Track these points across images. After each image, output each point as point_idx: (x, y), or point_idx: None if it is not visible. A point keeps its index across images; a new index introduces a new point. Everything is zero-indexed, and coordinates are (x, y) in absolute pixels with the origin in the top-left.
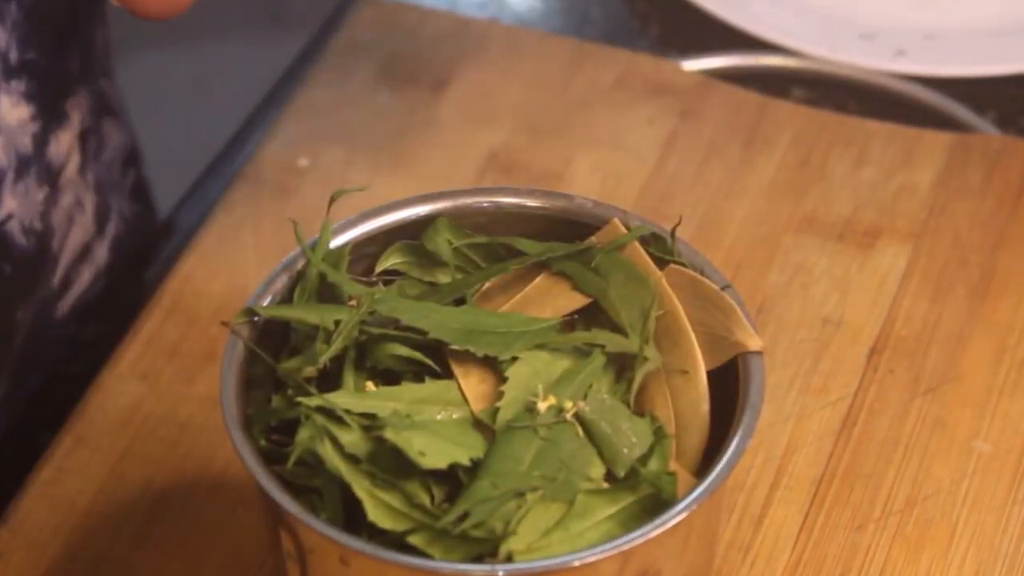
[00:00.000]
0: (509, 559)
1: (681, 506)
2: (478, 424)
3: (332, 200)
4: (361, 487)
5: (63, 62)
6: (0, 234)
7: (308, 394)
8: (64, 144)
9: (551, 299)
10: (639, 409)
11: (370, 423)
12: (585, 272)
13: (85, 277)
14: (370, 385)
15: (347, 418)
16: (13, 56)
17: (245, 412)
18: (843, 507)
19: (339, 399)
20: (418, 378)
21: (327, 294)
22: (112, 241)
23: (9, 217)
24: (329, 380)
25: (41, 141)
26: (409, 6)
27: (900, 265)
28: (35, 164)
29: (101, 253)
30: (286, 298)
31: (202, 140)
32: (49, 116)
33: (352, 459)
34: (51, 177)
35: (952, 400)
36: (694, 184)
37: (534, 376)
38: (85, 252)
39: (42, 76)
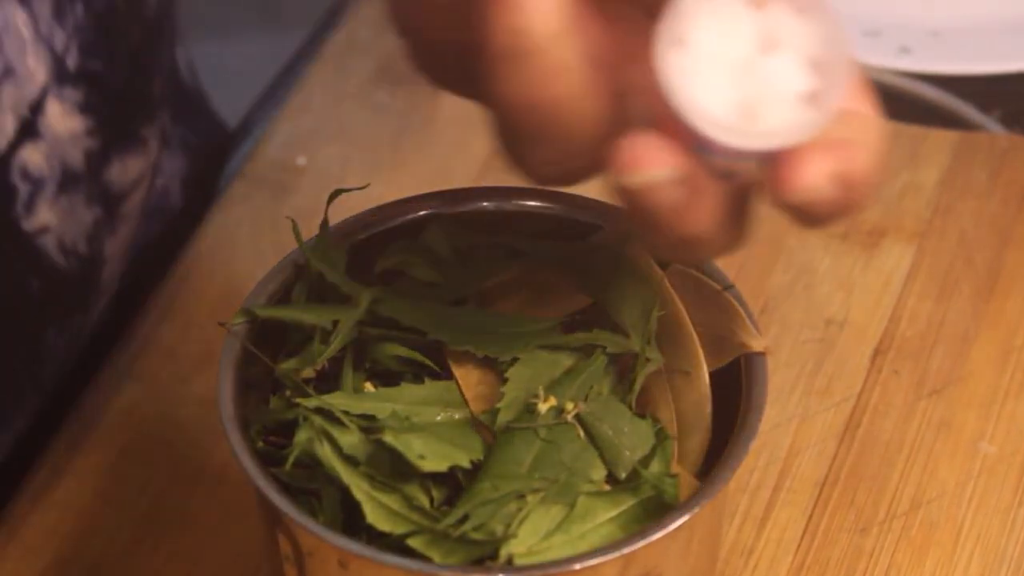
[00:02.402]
0: (509, 562)
1: (683, 508)
2: (478, 425)
3: (331, 199)
4: (360, 489)
5: (141, 83)
6: (32, 246)
7: (306, 395)
8: (132, 171)
9: (551, 299)
10: (640, 410)
11: (369, 424)
12: (586, 272)
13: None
14: (369, 386)
15: (345, 419)
16: (71, 61)
17: (243, 413)
18: (847, 510)
19: (337, 400)
20: (417, 379)
21: (326, 294)
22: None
23: (44, 230)
24: (328, 381)
25: (99, 159)
26: None
27: (905, 265)
28: (86, 182)
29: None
30: (284, 298)
31: None
32: (114, 136)
33: (351, 461)
34: (108, 201)
35: (957, 401)
36: None
37: (534, 377)
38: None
39: (107, 91)
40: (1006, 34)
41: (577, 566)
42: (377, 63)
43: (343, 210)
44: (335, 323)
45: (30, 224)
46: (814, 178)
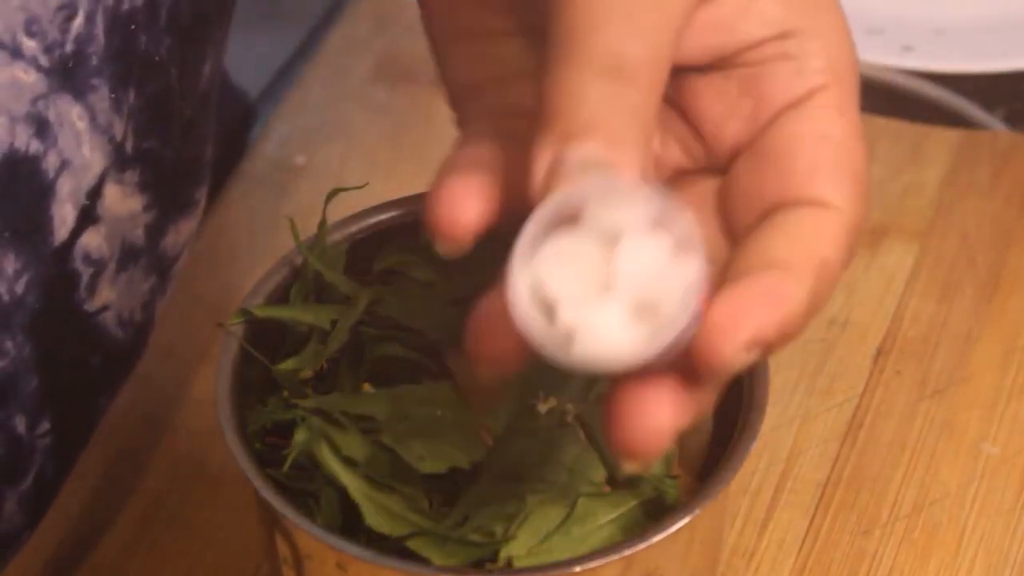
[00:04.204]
0: (509, 564)
1: (684, 510)
2: (477, 427)
3: (329, 198)
4: (359, 490)
5: (195, 151)
6: (92, 325)
7: (304, 396)
8: (184, 233)
9: None
10: None
11: (368, 425)
12: None
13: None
14: (367, 387)
15: (344, 420)
16: (129, 145)
17: (241, 414)
18: (849, 511)
19: (336, 401)
20: (416, 379)
21: (324, 294)
22: None
23: (105, 308)
24: (326, 381)
25: (156, 232)
26: (407, 1)
27: (907, 264)
28: (146, 255)
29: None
30: (282, 298)
31: None
32: (170, 205)
33: (349, 462)
34: (162, 267)
35: (960, 402)
36: None
37: (534, 378)
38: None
39: (163, 165)
40: (1010, 32)
41: (577, 568)
42: (376, 62)
43: (342, 209)
44: (334, 323)
45: (92, 305)
46: (731, 355)
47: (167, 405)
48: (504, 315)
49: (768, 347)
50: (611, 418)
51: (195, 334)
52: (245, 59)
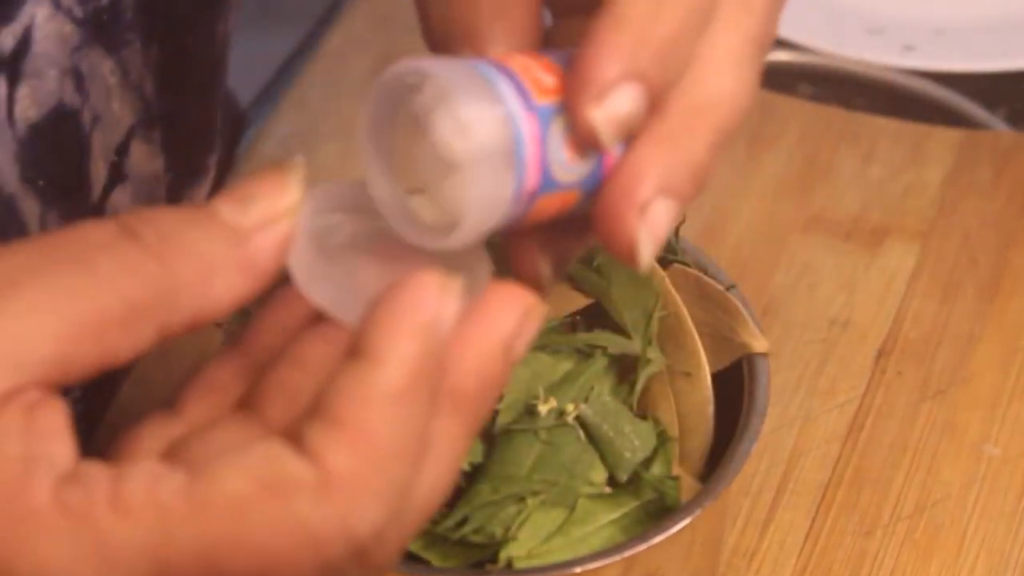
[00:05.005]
0: (509, 565)
1: (685, 511)
2: None
3: None
4: None
5: (209, 116)
6: None
7: None
8: (197, 202)
9: (552, 299)
10: (642, 412)
11: None
12: (587, 272)
13: None
14: None
15: None
16: (154, 102)
17: None
18: (850, 512)
19: None
20: None
21: None
22: None
23: None
24: None
25: (174, 196)
26: (406, 0)
27: (908, 265)
28: None
29: None
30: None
31: None
32: (184, 170)
33: None
34: None
35: (962, 403)
36: None
37: (535, 378)
38: None
39: (180, 127)
40: (1011, 31)
41: (578, 569)
42: (375, 60)
43: None
44: None
45: None
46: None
47: (166, 406)
48: None
49: (644, 78)
50: (597, 226)
51: (195, 336)
52: (244, 59)
